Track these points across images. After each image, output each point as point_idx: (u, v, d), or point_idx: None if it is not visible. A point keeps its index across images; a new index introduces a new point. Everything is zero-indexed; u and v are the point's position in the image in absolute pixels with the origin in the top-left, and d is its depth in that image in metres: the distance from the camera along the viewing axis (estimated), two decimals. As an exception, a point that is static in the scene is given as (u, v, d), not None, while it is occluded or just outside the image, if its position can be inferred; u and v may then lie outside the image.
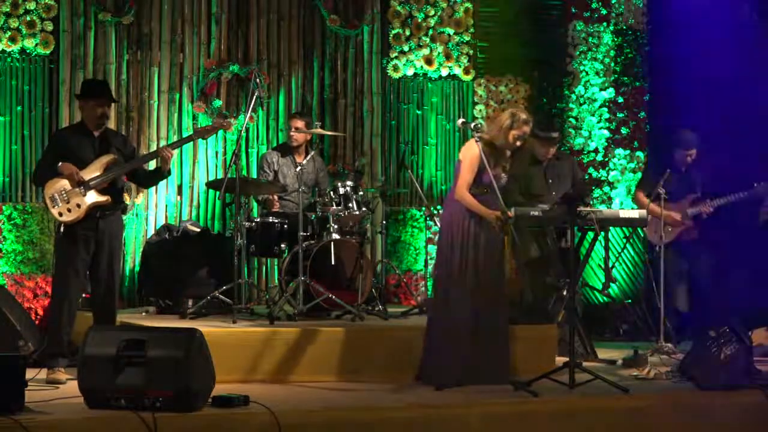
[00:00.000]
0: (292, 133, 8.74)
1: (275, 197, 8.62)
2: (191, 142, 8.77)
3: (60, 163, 6.89)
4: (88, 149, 7.00)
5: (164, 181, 9.08)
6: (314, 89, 9.74)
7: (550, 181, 8.41)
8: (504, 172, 7.02)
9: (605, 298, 9.94)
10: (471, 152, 6.88)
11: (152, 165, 7.55)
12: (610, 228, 8.52)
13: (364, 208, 8.27)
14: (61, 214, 6.87)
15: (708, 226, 8.82)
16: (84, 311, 7.36)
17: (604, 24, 10.49)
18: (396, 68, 9.91)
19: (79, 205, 6.87)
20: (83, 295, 7.42)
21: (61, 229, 6.93)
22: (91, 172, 6.92)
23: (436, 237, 7.36)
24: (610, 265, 8.82)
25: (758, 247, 9.00)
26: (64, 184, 6.87)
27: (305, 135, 8.75)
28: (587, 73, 10.41)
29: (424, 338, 7.01)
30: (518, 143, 6.99)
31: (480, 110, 10.15)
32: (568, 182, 8.47)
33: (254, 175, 9.18)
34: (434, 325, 7.00)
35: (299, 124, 8.78)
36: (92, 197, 6.90)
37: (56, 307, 6.99)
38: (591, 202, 8.64)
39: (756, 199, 8.78)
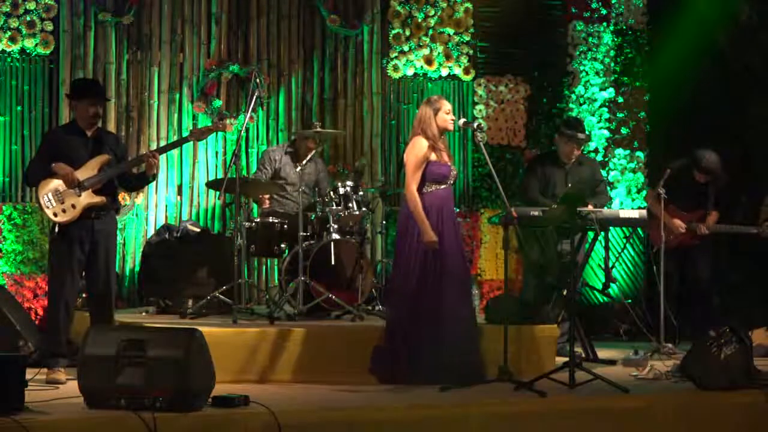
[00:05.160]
0: (310, 146, 8.51)
1: (265, 197, 8.54)
2: (191, 143, 8.75)
3: (54, 164, 6.78)
4: (81, 149, 6.90)
5: (164, 181, 9.14)
6: (314, 89, 9.73)
7: (569, 185, 8.35)
8: (451, 161, 7.07)
9: (605, 298, 9.94)
10: (414, 151, 6.96)
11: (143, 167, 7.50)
12: (610, 228, 8.52)
13: (364, 208, 8.27)
14: (55, 215, 6.78)
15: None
16: (83, 311, 7.34)
17: (604, 24, 10.49)
18: (396, 68, 9.90)
19: (74, 206, 6.79)
20: (83, 295, 7.41)
21: (56, 230, 6.85)
22: (86, 173, 6.83)
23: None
24: (610, 265, 8.81)
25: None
26: (58, 184, 6.78)
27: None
28: (587, 73, 10.41)
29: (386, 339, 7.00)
30: (449, 122, 6.96)
31: (480, 110, 10.15)
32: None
33: (254, 173, 9.15)
34: (398, 324, 6.98)
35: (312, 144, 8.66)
36: (87, 198, 6.82)
37: (53, 308, 6.93)
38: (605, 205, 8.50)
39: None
